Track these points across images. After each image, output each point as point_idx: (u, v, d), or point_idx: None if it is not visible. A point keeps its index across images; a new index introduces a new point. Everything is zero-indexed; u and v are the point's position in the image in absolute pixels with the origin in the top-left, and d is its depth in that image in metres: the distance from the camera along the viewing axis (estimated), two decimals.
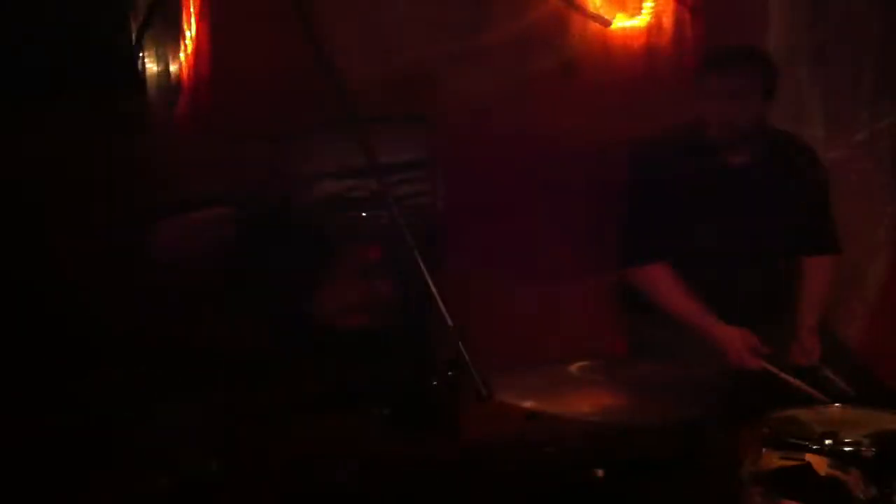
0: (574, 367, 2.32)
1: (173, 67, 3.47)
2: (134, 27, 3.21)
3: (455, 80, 3.54)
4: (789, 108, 3.56)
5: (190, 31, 3.47)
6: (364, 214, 2.87)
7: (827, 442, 2.02)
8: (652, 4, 3.86)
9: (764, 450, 2.11)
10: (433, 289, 1.96)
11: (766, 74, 2.93)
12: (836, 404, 2.37)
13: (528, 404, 2.14)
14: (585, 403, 2.20)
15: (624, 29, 3.85)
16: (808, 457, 1.95)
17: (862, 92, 3.62)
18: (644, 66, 3.85)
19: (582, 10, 3.79)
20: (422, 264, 2.05)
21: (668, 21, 3.86)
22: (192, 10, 3.48)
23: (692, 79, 2.99)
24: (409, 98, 3.58)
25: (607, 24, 3.82)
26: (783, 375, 2.72)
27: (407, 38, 3.52)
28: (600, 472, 2.21)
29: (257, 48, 3.37)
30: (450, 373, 1.95)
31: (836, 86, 3.61)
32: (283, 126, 3.38)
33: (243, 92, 3.38)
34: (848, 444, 2.01)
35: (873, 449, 1.98)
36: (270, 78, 3.31)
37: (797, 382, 2.68)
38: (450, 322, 1.94)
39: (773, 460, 2.00)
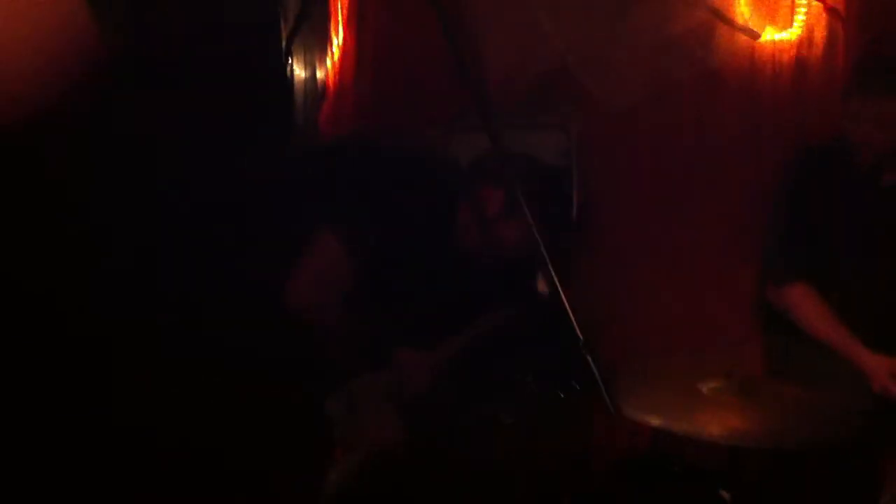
0: (705, 387, 2.28)
1: (320, 74, 3.57)
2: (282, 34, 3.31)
3: (599, 87, 3.52)
4: None
5: (337, 38, 3.57)
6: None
7: None
8: (804, 17, 3.74)
9: None
10: (565, 302, 1.96)
11: None
12: None
13: (655, 422, 2.12)
14: (716, 424, 2.16)
15: (773, 42, 3.75)
16: None
17: None
18: (793, 80, 3.74)
19: (730, 22, 3.71)
20: (555, 277, 2.05)
21: (819, 34, 3.73)
22: (339, 17, 3.58)
23: (840, 98, 2.92)
24: (551, 104, 3.57)
25: (756, 36, 3.72)
26: None
27: (551, 46, 3.51)
28: (726, 495, 2.17)
29: (401, 53, 3.43)
30: (578, 386, 1.94)
31: None
32: (424, 130, 3.43)
33: (387, 96, 3.45)
34: None
35: None
36: (414, 82, 3.37)
37: None
38: (580, 336, 1.94)
39: None
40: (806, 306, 2.90)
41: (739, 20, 3.71)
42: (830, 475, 2.57)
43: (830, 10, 3.73)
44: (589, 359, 1.92)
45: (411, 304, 2.61)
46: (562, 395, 1.94)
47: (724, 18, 3.69)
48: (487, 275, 2.82)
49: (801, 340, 2.90)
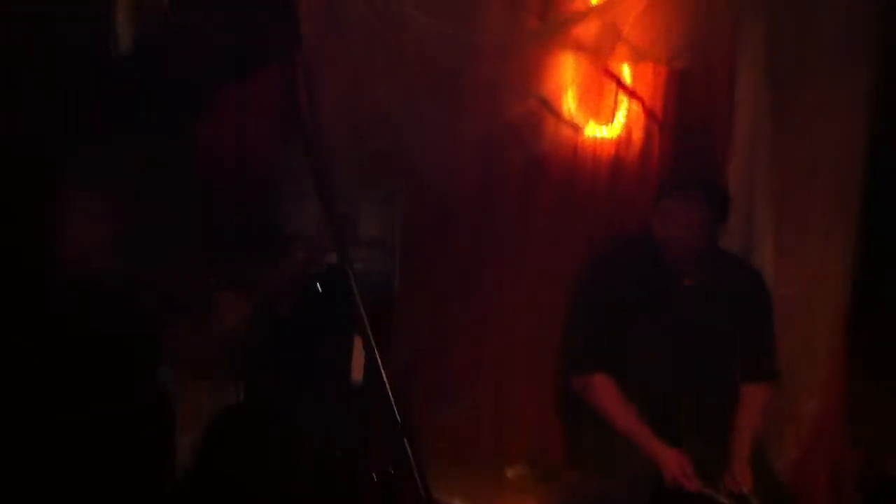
0: (509, 473, 2.33)
1: None
2: None
3: (428, 166, 3.55)
4: (743, 239, 3.64)
5: None
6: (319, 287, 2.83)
7: None
8: (624, 117, 3.94)
9: None
10: (384, 378, 1.95)
11: (720, 206, 3.05)
12: None
13: None
14: None
15: (594, 138, 3.93)
16: None
17: (813, 232, 3.71)
18: (610, 176, 3.92)
19: (556, 113, 3.84)
20: (376, 352, 2.04)
21: (637, 135, 3.94)
22: None
23: (651, 199, 3.09)
24: (381, 178, 3.58)
25: (578, 129, 3.88)
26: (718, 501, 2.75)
27: (388, 124, 3.53)
28: None
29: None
30: (392, 471, 1.93)
31: (790, 224, 3.69)
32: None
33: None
34: None
35: None
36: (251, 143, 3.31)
37: None
38: (399, 418, 1.93)
39: None
40: (605, 396, 3.00)
41: (565, 113, 3.86)
42: None
43: (648, 113, 3.96)
44: (405, 441, 1.91)
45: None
46: (374, 477, 1.92)
47: (551, 109, 3.83)
48: None
49: (600, 429, 3.00)
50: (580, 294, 3.15)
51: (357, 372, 2.61)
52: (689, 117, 3.97)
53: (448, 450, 2.61)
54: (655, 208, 3.04)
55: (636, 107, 3.94)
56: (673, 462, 2.86)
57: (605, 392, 3.00)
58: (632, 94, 3.95)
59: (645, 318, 3.04)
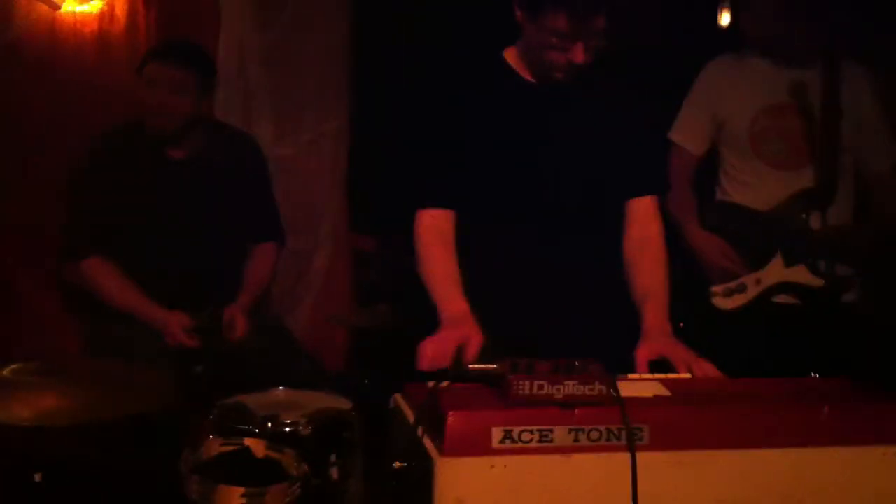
0: (7, 371, 2.17)
1: None
2: None
3: None
4: (240, 105, 3.67)
5: None
6: None
7: (267, 425, 2.10)
8: None
9: (209, 437, 2.14)
10: None
11: (204, 70, 3.02)
12: (280, 388, 2.49)
13: None
14: (22, 407, 2.06)
15: (74, 13, 3.69)
16: (248, 441, 2.01)
17: (308, 95, 3.84)
18: (96, 53, 3.72)
19: None
20: None
21: (121, 10, 3.76)
22: None
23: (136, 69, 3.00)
24: None
25: (55, 7, 3.63)
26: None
27: None
28: (38, 476, 2.10)
29: None
30: None
31: (285, 88, 3.78)
32: None
33: None
34: (287, 426, 2.11)
35: (310, 428, 2.10)
36: None
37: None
38: None
39: (215, 447, 2.03)
40: (100, 278, 2.97)
41: None
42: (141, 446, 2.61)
43: None
44: None
45: None
46: None
47: None
48: None
49: (110, 314, 2.93)
50: (71, 181, 3.03)
51: None
52: None
53: None
54: (140, 78, 2.95)
55: None
56: (171, 322, 2.89)
57: (99, 273, 2.96)
58: None
59: (140, 194, 2.97)
